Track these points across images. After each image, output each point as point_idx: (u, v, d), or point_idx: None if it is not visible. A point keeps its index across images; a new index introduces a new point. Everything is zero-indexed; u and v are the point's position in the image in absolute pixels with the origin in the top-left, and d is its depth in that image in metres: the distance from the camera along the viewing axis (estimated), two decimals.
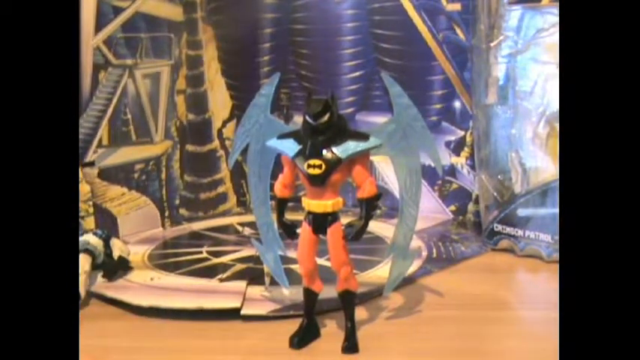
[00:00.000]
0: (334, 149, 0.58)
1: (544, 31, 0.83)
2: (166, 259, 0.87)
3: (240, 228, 1.01)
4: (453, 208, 1.05)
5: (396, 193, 0.65)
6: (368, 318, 0.67)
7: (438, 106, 1.03)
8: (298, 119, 0.98)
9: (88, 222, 0.91)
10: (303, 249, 0.61)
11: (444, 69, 1.01)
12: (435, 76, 1.02)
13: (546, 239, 0.84)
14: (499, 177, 0.88)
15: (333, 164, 0.58)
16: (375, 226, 0.94)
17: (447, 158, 1.03)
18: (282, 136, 0.61)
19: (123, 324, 0.68)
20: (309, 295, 0.63)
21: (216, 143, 1.10)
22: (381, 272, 0.78)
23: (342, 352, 0.60)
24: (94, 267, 0.76)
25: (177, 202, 1.05)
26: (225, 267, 0.82)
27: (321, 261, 0.64)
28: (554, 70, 0.82)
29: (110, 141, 0.95)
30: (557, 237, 0.82)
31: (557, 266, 0.78)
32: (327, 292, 0.63)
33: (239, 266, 0.82)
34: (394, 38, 1.04)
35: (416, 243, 0.88)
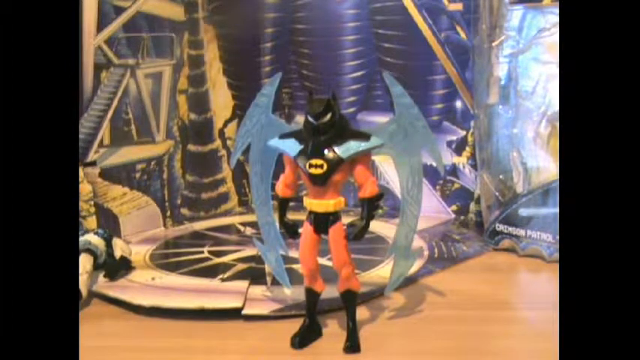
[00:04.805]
0: (336, 149, 0.58)
1: (545, 31, 0.83)
2: (168, 258, 0.88)
3: (241, 228, 1.01)
4: (454, 207, 1.05)
5: (398, 193, 0.65)
6: (369, 318, 0.67)
7: (440, 105, 1.03)
8: (300, 119, 0.98)
9: (90, 222, 0.91)
10: (304, 249, 0.61)
11: (445, 69, 1.01)
12: (436, 75, 1.02)
13: (548, 239, 0.84)
14: (501, 177, 0.88)
15: (335, 164, 0.58)
16: (377, 226, 0.95)
17: (449, 158, 1.03)
18: (283, 136, 0.61)
19: (124, 324, 0.68)
20: (311, 294, 0.63)
21: (217, 143, 1.10)
22: (382, 272, 0.78)
23: (343, 352, 0.60)
24: (96, 267, 0.77)
25: (178, 201, 1.05)
26: (226, 267, 0.82)
27: (322, 261, 0.64)
28: (555, 70, 0.82)
29: (112, 141, 0.95)
30: (558, 237, 0.82)
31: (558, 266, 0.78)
32: (329, 292, 0.63)
33: (240, 266, 0.82)
34: (396, 38, 1.04)
35: (418, 243, 0.88)
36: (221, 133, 1.10)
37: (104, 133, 0.94)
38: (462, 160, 1.03)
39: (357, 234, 0.59)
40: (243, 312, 0.68)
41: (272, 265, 0.69)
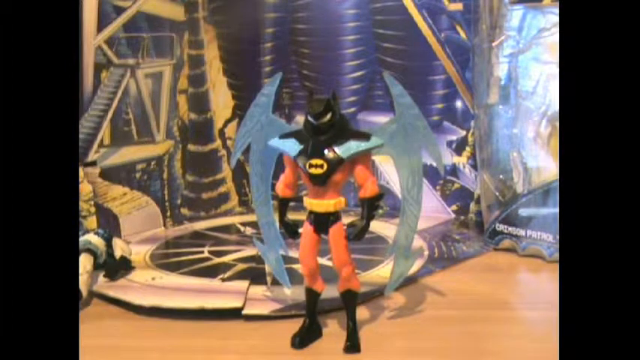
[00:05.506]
0: (336, 149, 0.58)
1: (546, 31, 0.83)
2: (168, 258, 0.88)
3: (241, 228, 1.01)
4: (454, 207, 1.05)
5: (398, 193, 0.65)
6: (370, 318, 0.67)
7: (440, 105, 1.03)
8: (300, 119, 0.98)
9: (90, 222, 0.91)
10: (304, 249, 0.61)
11: (445, 69, 1.01)
12: (436, 75, 1.02)
13: (548, 239, 0.84)
14: (501, 177, 0.88)
15: (335, 164, 0.58)
16: (377, 226, 0.95)
17: (449, 158, 1.03)
18: (283, 136, 0.61)
19: (124, 324, 0.68)
20: (311, 294, 0.63)
21: (217, 143, 1.10)
22: (382, 272, 0.78)
23: (343, 352, 0.60)
24: (96, 267, 0.77)
25: (178, 201, 1.05)
26: (226, 267, 0.82)
27: (322, 261, 0.64)
28: (555, 70, 0.82)
29: (112, 141, 0.95)
30: (558, 237, 0.82)
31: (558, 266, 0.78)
32: (329, 292, 0.63)
33: (241, 266, 0.82)
34: (396, 38, 1.04)
35: (418, 243, 0.88)
36: (221, 133, 1.10)
37: (104, 133, 0.94)
38: (462, 160, 1.03)
39: (358, 234, 0.59)
40: (244, 312, 0.68)
41: (272, 265, 0.69)
